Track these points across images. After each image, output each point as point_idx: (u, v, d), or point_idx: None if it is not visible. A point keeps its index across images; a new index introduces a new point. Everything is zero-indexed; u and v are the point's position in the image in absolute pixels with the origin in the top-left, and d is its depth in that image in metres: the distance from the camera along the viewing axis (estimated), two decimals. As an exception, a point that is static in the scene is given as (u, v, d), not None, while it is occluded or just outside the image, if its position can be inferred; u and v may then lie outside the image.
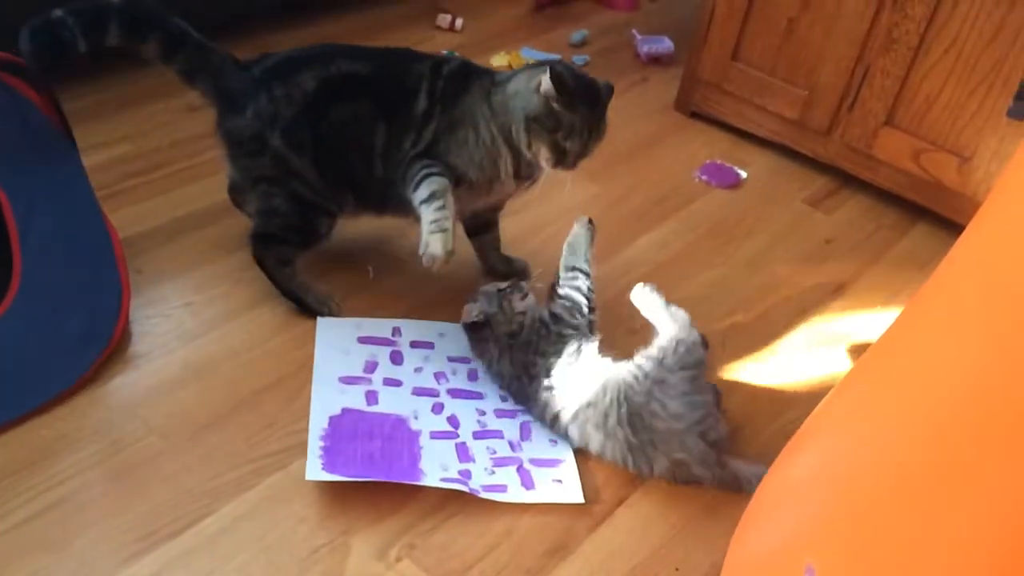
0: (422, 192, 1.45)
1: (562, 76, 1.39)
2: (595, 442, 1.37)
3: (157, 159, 1.92)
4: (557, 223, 1.90)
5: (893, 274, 1.89)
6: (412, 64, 1.53)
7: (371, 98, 1.49)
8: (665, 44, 2.57)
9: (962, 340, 0.81)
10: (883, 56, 1.94)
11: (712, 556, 1.28)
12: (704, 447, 1.34)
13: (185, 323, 1.55)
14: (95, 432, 1.35)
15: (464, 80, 1.51)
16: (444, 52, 2.45)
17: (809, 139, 2.15)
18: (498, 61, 2.45)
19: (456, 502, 1.31)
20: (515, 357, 1.45)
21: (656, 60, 2.55)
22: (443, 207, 1.42)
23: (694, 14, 2.30)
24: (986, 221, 0.85)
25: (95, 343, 1.43)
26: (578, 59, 2.51)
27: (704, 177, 2.11)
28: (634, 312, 1.70)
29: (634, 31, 2.64)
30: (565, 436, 1.41)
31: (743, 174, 2.14)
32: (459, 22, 2.58)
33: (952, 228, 1.99)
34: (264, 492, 1.30)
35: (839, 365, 1.65)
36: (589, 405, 1.36)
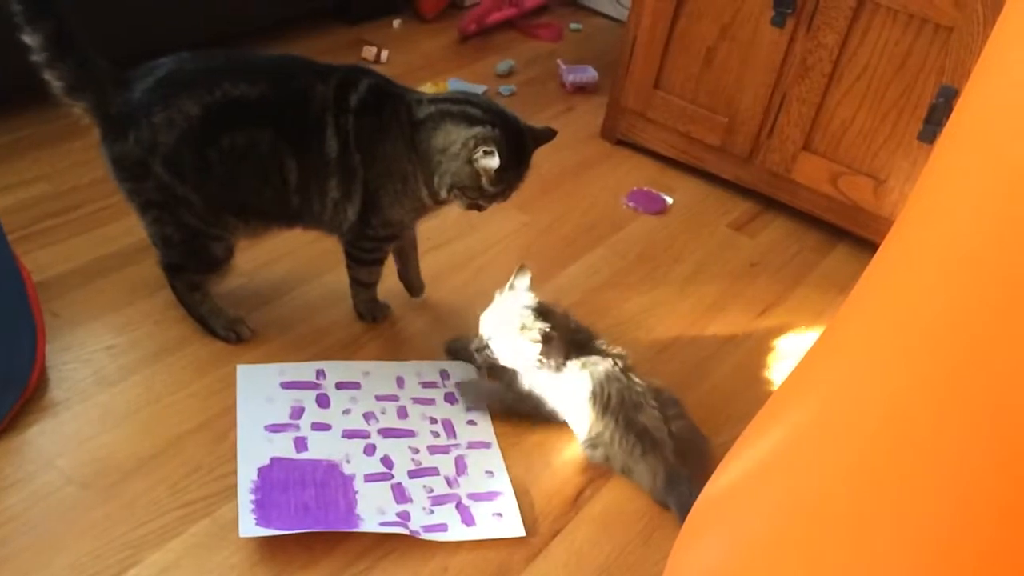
0: (361, 273, 1.61)
1: (500, 151, 1.38)
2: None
3: (75, 199, 1.86)
4: (487, 254, 1.91)
5: (816, 295, 1.94)
6: (311, 84, 1.42)
7: (271, 127, 1.40)
8: (589, 73, 2.61)
9: (877, 359, 0.83)
10: (798, 83, 2.00)
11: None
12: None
13: (105, 367, 1.50)
14: (11, 484, 1.29)
15: (378, 115, 1.44)
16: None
17: (731, 164, 2.20)
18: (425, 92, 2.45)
19: (391, 541, 1.29)
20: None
21: (581, 89, 2.59)
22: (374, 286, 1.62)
23: (617, 44, 2.34)
24: (895, 240, 0.87)
25: (9, 391, 1.37)
26: (504, 89, 2.53)
27: (632, 204, 2.14)
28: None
29: (559, 61, 2.68)
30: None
31: (669, 200, 2.17)
32: (384, 54, 2.58)
33: (871, 249, 2.04)
34: (190, 540, 1.26)
35: (767, 387, 1.68)
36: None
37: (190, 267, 1.53)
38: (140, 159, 1.40)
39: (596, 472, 1.46)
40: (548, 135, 1.52)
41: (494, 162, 1.37)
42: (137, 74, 1.40)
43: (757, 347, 1.77)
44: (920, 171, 1.89)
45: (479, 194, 1.45)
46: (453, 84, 2.49)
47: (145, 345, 1.56)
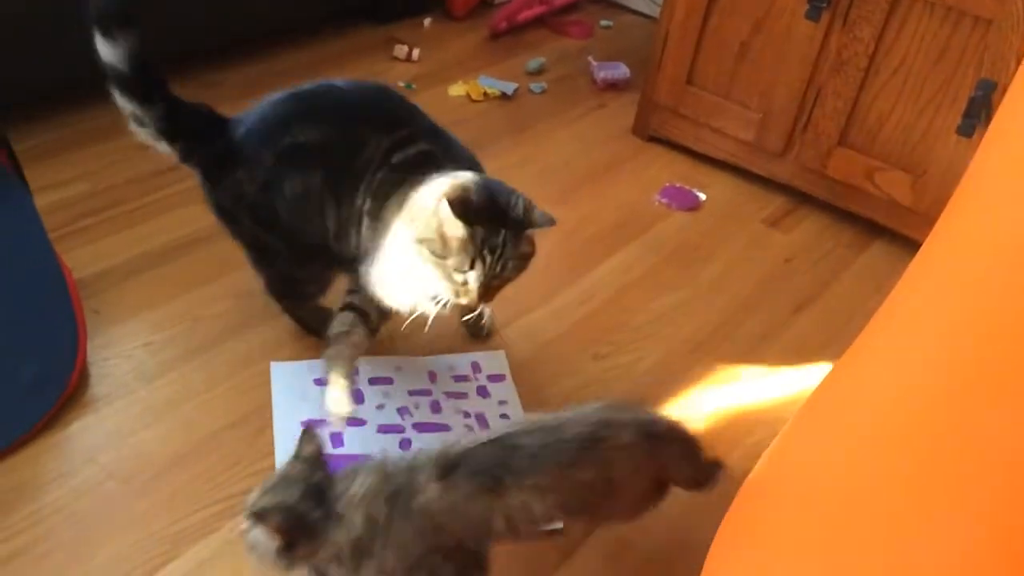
0: (335, 324, 1.40)
1: (463, 200, 1.19)
2: None
3: (112, 197, 1.89)
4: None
5: (852, 292, 1.92)
6: (373, 136, 1.35)
7: (321, 168, 1.36)
8: (621, 70, 2.60)
9: (923, 359, 0.82)
10: (834, 78, 1.98)
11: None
12: None
13: (144, 364, 1.52)
14: (53, 480, 1.32)
15: (405, 174, 1.32)
16: (401, 83, 2.46)
17: (765, 160, 2.18)
18: (456, 91, 2.46)
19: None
20: None
21: (612, 86, 2.58)
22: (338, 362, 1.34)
23: (648, 40, 2.33)
24: (941, 237, 0.86)
25: (51, 388, 1.39)
26: (535, 86, 2.53)
27: (664, 200, 2.13)
28: (599, 337, 1.71)
29: (590, 58, 2.67)
30: None
31: (702, 196, 2.16)
32: (416, 52, 2.58)
33: (908, 245, 2.02)
34: (229, 535, 1.27)
35: (802, 385, 1.66)
36: None
37: (288, 300, 1.56)
38: (231, 208, 1.42)
39: (631, 469, 1.45)
40: (541, 221, 1.26)
41: (445, 210, 1.18)
42: (231, 122, 1.41)
43: (790, 345, 1.76)
44: (960, 167, 1.87)
45: (447, 257, 1.23)
46: (484, 82, 2.50)
47: (182, 342, 1.58)
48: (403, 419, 1.47)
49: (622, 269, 1.90)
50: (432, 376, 1.56)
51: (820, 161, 2.07)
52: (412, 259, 1.26)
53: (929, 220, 2.11)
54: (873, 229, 2.08)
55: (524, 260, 1.27)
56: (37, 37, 1.92)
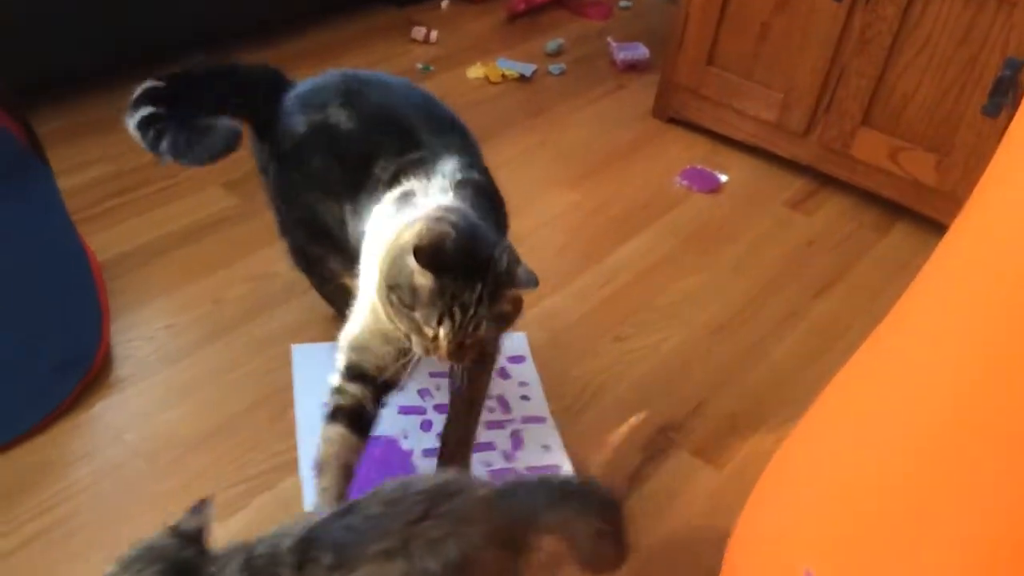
0: (321, 446, 1.20)
1: (435, 246, 1.03)
2: None
3: (135, 180, 1.90)
4: (536, 235, 1.90)
5: (875, 274, 1.90)
6: (386, 146, 1.25)
7: (338, 158, 1.29)
8: (640, 51, 2.58)
9: (954, 341, 0.81)
10: (857, 57, 1.96)
11: (709, 565, 1.27)
12: None
13: (167, 345, 1.53)
14: (80, 457, 1.33)
15: (401, 203, 1.19)
16: (419, 65, 2.45)
17: (787, 141, 2.16)
18: (474, 73, 2.45)
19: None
20: None
21: (632, 67, 2.56)
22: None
23: (668, 20, 2.31)
24: (971, 219, 0.85)
25: (76, 368, 1.40)
26: (554, 68, 2.51)
27: (684, 182, 2.12)
28: (620, 319, 1.71)
29: (609, 39, 2.65)
30: None
31: (723, 178, 2.14)
32: (434, 34, 2.57)
33: (932, 226, 2.00)
34: (253, 513, 1.28)
35: (825, 367, 1.65)
36: None
37: (309, 275, 1.55)
38: (265, 166, 1.40)
39: (654, 449, 1.45)
40: (524, 280, 1.07)
41: (412, 259, 1.03)
42: (291, 87, 1.38)
43: (814, 327, 1.74)
44: (985, 146, 1.85)
45: (415, 308, 1.07)
46: (502, 64, 2.48)
47: (204, 324, 1.58)
48: (424, 400, 1.47)
49: (643, 251, 1.89)
50: None
51: (843, 141, 2.05)
52: (383, 305, 1.11)
53: (954, 200, 2.10)
54: (896, 210, 2.06)
55: (504, 320, 1.09)
56: (62, 20, 1.93)
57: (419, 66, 2.44)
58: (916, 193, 2.00)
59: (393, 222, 1.14)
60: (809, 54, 2.03)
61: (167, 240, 1.76)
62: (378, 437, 1.38)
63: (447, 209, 1.11)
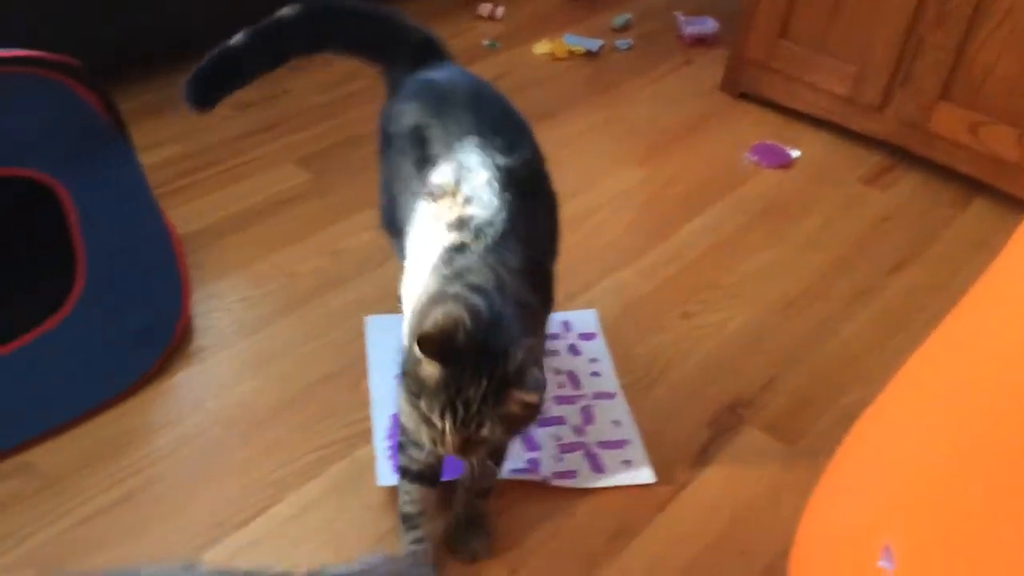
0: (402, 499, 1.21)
1: (448, 334, 0.97)
2: None
3: (207, 158, 1.94)
4: (603, 211, 1.90)
5: (952, 252, 1.85)
6: (439, 139, 1.20)
7: (409, 157, 1.25)
8: (709, 25, 2.54)
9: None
10: (935, 29, 1.90)
11: (778, 541, 1.26)
12: None
13: (244, 317, 1.57)
14: (162, 426, 1.38)
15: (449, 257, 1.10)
16: (485, 42, 2.45)
17: (861, 116, 2.11)
18: (540, 49, 2.44)
19: (518, 488, 1.31)
20: None
21: (700, 41, 2.53)
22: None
23: (738, -7, 2.27)
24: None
25: (158, 339, 1.45)
26: (621, 43, 2.49)
27: (754, 158, 2.09)
28: (688, 296, 1.70)
29: (677, 13, 2.62)
30: None
31: (795, 153, 2.11)
32: (500, 10, 2.57)
33: (1012, 203, 1.94)
34: (328, 481, 1.31)
35: (900, 345, 1.62)
36: None
37: (391, 239, 1.45)
38: (381, 125, 1.36)
39: (724, 425, 1.44)
40: (531, 386, 0.99)
41: (417, 349, 0.97)
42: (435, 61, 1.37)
43: (888, 305, 1.71)
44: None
45: (416, 395, 1.02)
46: (569, 39, 2.47)
47: (279, 297, 1.62)
48: None
49: (711, 228, 1.88)
50: None
51: (920, 116, 2.00)
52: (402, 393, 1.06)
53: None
54: (974, 186, 2.00)
55: (512, 423, 1.01)
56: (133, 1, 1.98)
57: (485, 43, 2.44)
58: (996, 169, 1.95)
59: (431, 276, 1.09)
60: (884, 27, 1.97)
61: (241, 216, 1.80)
62: None
63: (475, 288, 1.03)
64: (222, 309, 1.59)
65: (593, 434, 1.40)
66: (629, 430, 1.41)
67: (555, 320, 1.60)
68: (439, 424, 1.00)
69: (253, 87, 2.23)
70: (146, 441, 1.35)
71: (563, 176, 1.31)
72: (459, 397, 0.98)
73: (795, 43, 2.14)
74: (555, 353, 1.53)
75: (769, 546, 1.27)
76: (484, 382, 0.97)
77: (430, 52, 1.39)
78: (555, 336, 1.57)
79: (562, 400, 1.45)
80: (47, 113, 1.35)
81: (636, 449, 1.38)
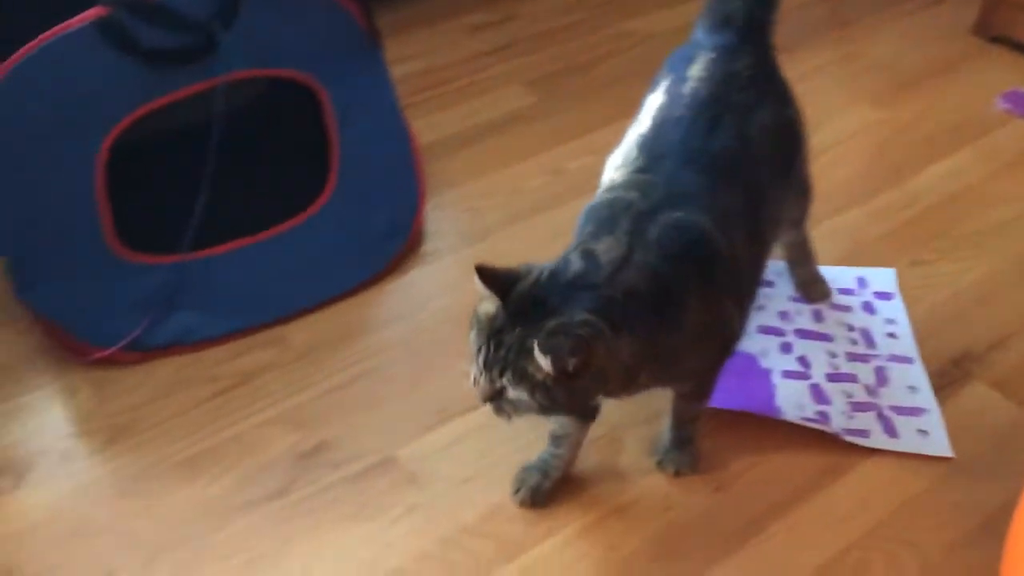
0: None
1: (510, 274, 0.98)
2: None
3: (444, 75, 2.03)
4: (835, 150, 1.84)
5: None
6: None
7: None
8: (966, -39, 2.35)
9: None
10: None
11: (998, 495, 1.20)
12: None
13: (470, 225, 1.66)
14: (394, 318, 1.49)
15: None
16: None
17: None
18: None
19: (725, 415, 1.30)
20: None
21: (954, -21, 2.35)
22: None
23: (1006, -75, 2.09)
24: None
25: (395, 239, 1.56)
26: (865, -22, 2.36)
27: (1007, 106, 1.94)
28: (921, 243, 1.62)
29: (930, -52, 2.44)
30: None
31: (1053, 103, 1.94)
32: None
33: None
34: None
35: None
36: None
37: None
38: None
39: (949, 378, 1.38)
40: (544, 349, 0.93)
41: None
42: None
43: None
44: None
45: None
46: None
47: (503, 210, 1.69)
48: (783, 322, 1.45)
49: (952, 174, 1.77)
50: None
51: None
52: None
53: None
54: None
55: (533, 388, 0.96)
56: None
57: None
58: None
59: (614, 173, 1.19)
60: None
61: (472, 131, 1.88)
62: (738, 352, 1.28)
63: (587, 254, 1.02)
64: (450, 217, 1.68)
65: (887, 396, 1.35)
66: (927, 398, 1.35)
67: (849, 275, 1.55)
68: (475, 363, 0.99)
69: (486, 9, 2.33)
70: (379, 329, 1.47)
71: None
72: (494, 338, 0.96)
73: (1070, -19, 1.95)
74: (848, 308, 1.49)
75: (989, 499, 1.22)
76: (517, 330, 0.95)
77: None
78: (848, 291, 1.52)
79: (853, 357, 1.41)
80: (311, 19, 1.46)
81: (934, 419, 1.32)
